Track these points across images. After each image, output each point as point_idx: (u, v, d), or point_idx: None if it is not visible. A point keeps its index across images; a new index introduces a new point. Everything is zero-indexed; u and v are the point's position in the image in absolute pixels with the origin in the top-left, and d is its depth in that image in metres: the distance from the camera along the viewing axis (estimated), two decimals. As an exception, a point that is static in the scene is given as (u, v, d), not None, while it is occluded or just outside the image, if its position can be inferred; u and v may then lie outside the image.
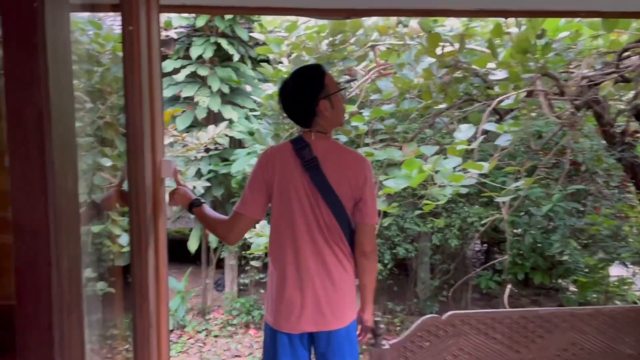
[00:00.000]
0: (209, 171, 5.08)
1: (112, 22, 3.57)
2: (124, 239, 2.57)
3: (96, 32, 3.25)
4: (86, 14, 3.13)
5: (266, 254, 2.59)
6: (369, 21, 3.42)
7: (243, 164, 4.82)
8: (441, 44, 3.02)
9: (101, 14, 3.34)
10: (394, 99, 3.41)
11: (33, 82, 0.97)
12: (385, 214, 4.02)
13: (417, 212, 4.58)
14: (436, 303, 5.21)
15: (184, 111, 5.12)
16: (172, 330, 4.71)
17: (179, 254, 5.25)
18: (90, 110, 3.14)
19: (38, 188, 0.97)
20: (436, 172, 2.81)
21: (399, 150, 3.06)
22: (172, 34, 5.35)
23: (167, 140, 4.08)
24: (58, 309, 1.01)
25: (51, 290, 0.98)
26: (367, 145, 3.44)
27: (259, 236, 3.52)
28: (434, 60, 3.03)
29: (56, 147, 0.99)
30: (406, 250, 4.92)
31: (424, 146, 3.09)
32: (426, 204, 3.02)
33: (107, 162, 2.97)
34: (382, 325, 2.01)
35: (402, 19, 3.42)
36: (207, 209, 2.01)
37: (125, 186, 1.97)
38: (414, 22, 3.27)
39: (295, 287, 1.83)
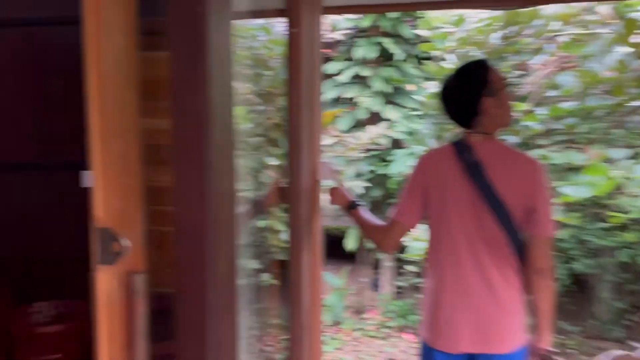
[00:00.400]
0: (369, 171, 5.08)
1: (282, 27, 3.73)
2: (285, 235, 2.65)
3: (266, 37, 3.42)
4: (259, 21, 3.33)
5: (423, 259, 2.48)
6: (548, 10, 3.08)
7: (401, 164, 4.72)
8: (638, 31, 2.59)
9: (271, 20, 3.51)
10: (574, 96, 3.02)
11: (196, 87, 0.99)
12: (562, 225, 3.60)
13: (601, 224, 4.03)
14: (620, 327, 4.54)
15: (345, 112, 5.19)
16: (330, 326, 4.81)
17: (339, 251, 5.33)
18: (260, 112, 3.32)
19: (197, 190, 1.00)
20: (627, 179, 2.41)
21: (581, 153, 2.70)
22: (338, 35, 5.46)
23: (329, 140, 4.16)
24: (212, 312, 1.02)
25: (205, 294, 1.00)
26: (541, 147, 3.11)
27: (416, 240, 3.41)
28: (630, 50, 2.61)
29: (215, 150, 1.01)
30: (585, 266, 4.36)
31: (612, 149, 2.68)
32: (612, 217, 2.62)
33: (273, 161, 3.11)
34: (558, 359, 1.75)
35: (589, 4, 3.00)
36: (365, 212, 1.95)
37: (283, 184, 2.02)
38: (604, 8, 2.85)
39: (453, 304, 1.69)
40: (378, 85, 5.14)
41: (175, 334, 1.04)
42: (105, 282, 0.80)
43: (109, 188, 0.80)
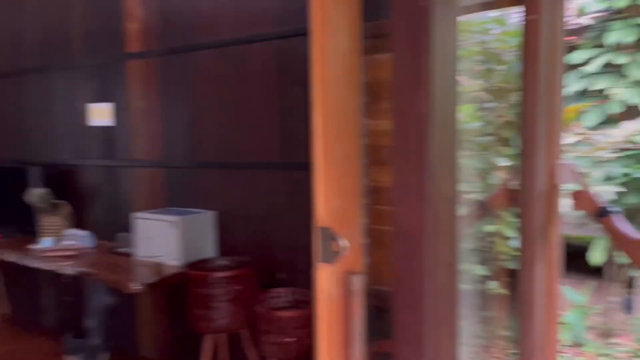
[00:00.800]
0: (623, 175, 4.39)
1: (518, 17, 3.47)
2: (515, 242, 2.45)
3: (500, 29, 3.21)
4: (492, 13, 3.15)
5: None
6: None
7: (667, 167, 3.97)
8: None
9: (506, 10, 3.29)
10: None
11: (417, 86, 0.96)
12: None
13: None
14: None
15: (593, 106, 4.58)
16: (569, 346, 4.35)
17: (581, 264, 4.76)
18: (490, 110, 3.14)
19: (416, 191, 0.96)
20: None
21: None
22: (586, 20, 4.87)
23: (572, 139, 3.73)
24: (429, 320, 0.98)
25: (423, 302, 0.96)
26: None
27: (688, 259, 2.79)
28: None
29: (436, 151, 0.96)
30: None
31: None
32: None
33: (504, 162, 2.91)
34: None
35: None
36: (619, 221, 1.66)
37: (513, 186, 1.85)
38: None
39: None
40: (637, 73, 4.42)
41: (392, 335, 1.03)
42: (325, 280, 0.82)
43: (329, 188, 0.83)
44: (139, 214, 2.76)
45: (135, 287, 2.34)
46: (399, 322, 0.99)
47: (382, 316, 1.20)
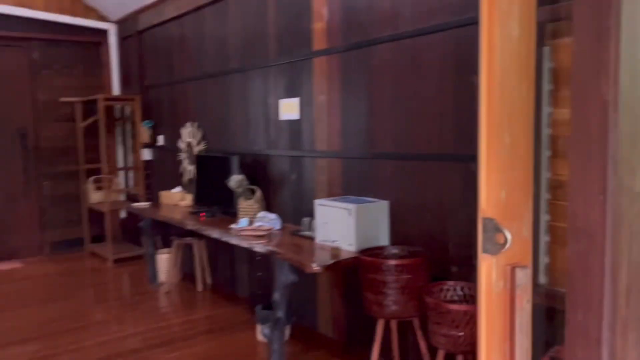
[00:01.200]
0: None
1: None
2: None
3: None
4: None
5: None
6: None
7: None
8: None
9: None
10: None
11: (601, 69, 0.89)
12: None
13: None
14: None
15: None
16: None
17: None
18: None
19: (596, 185, 0.89)
20: None
21: None
22: None
23: None
24: (609, 323, 0.91)
25: (603, 300, 0.89)
26: None
27: None
28: None
29: (622, 142, 0.88)
30: None
31: None
32: None
33: None
34: None
35: None
36: None
37: None
38: None
39: None
40: None
41: (566, 339, 0.97)
42: (486, 272, 0.81)
43: (493, 179, 0.81)
44: (319, 201, 2.96)
45: (315, 267, 2.52)
46: (572, 324, 0.93)
47: (558, 318, 1.13)
